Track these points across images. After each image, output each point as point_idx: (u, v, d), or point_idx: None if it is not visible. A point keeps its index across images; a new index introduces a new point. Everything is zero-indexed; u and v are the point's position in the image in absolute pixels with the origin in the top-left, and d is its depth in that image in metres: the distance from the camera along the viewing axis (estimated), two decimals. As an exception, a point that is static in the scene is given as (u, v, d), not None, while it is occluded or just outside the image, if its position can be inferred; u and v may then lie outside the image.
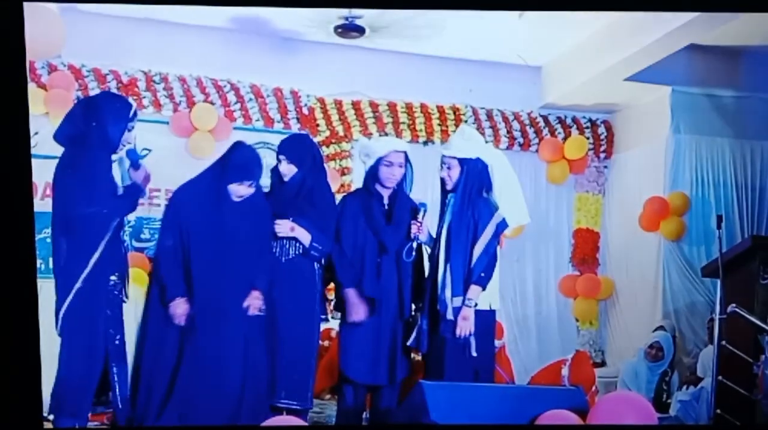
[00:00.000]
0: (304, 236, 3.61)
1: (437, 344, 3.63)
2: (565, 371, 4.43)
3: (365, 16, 5.16)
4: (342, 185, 5.66)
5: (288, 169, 3.67)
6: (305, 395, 3.61)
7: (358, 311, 3.66)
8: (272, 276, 3.56)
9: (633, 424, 3.31)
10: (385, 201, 3.78)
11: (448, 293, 3.58)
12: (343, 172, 5.83)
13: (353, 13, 5.12)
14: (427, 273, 3.79)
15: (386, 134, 5.85)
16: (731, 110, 5.47)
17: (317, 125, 5.84)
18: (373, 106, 5.93)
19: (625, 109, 6.22)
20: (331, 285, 3.82)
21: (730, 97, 5.46)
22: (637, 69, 5.18)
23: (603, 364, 6.03)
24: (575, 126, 6.30)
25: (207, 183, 3.56)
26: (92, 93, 5.16)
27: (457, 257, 3.61)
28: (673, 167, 5.53)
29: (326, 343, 4.61)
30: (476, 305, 3.58)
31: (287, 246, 3.63)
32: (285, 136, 3.94)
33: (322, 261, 3.69)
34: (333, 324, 4.15)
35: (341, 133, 5.87)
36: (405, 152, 3.78)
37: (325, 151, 5.76)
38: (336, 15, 5.16)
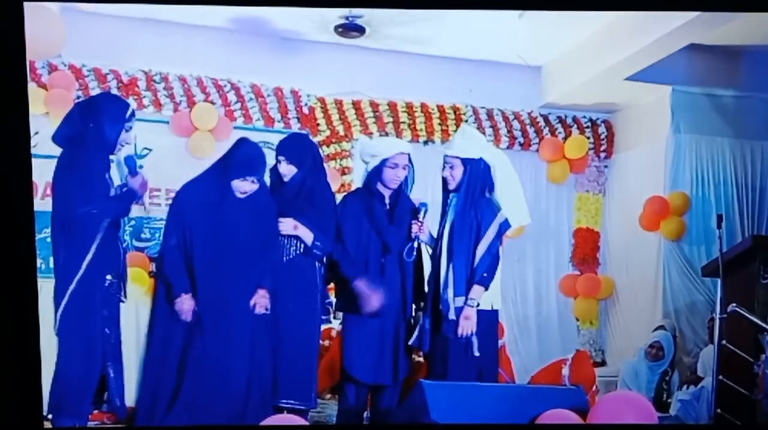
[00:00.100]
0: (307, 235, 3.61)
1: (440, 344, 3.64)
2: (565, 371, 4.42)
3: (365, 15, 5.16)
4: (342, 185, 5.66)
5: (288, 170, 3.67)
6: (308, 395, 3.62)
7: (372, 301, 3.64)
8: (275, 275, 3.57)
9: (633, 424, 3.31)
10: (387, 201, 3.79)
11: (450, 292, 3.59)
12: (344, 171, 5.83)
13: (353, 12, 5.12)
14: (428, 273, 3.80)
15: (387, 134, 5.85)
16: (731, 110, 5.47)
17: (317, 125, 5.84)
18: (374, 105, 5.93)
19: (626, 109, 6.22)
20: (331, 285, 3.82)
21: (731, 96, 5.45)
22: (638, 69, 5.18)
23: (603, 363, 6.03)
24: (575, 126, 6.30)
25: (210, 180, 3.57)
26: (93, 93, 5.16)
27: (460, 257, 3.61)
28: (673, 167, 5.53)
29: (326, 343, 4.60)
30: (478, 305, 3.59)
31: (288, 245, 3.63)
32: (283, 137, 3.93)
33: (324, 260, 3.70)
34: (333, 324, 4.15)
35: (341, 133, 5.87)
36: (408, 154, 3.79)
37: (325, 150, 5.77)
38: (336, 15, 5.16)
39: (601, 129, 6.35)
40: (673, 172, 5.54)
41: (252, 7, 4.96)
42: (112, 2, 4.83)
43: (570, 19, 4.98)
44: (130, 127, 3.47)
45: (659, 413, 3.88)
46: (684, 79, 5.38)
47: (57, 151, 3.42)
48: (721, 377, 3.93)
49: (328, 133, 5.85)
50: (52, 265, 3.45)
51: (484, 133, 5.93)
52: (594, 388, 4.43)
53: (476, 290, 3.58)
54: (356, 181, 4.04)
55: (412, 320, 3.80)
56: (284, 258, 3.62)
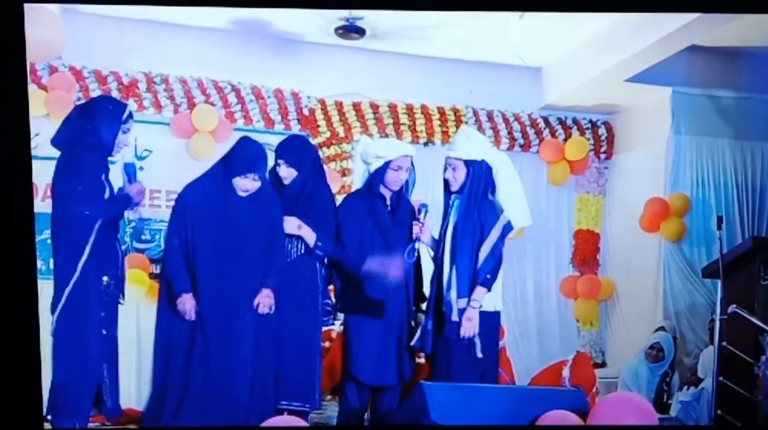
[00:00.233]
0: (310, 235, 3.62)
1: (443, 346, 3.64)
2: (565, 372, 4.42)
3: (366, 17, 5.16)
4: (342, 186, 5.66)
5: (288, 173, 3.68)
6: (312, 397, 3.62)
7: (392, 270, 3.65)
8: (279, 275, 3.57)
9: (634, 425, 3.31)
10: (388, 202, 3.79)
11: (453, 294, 3.60)
12: (344, 173, 5.83)
13: (354, 14, 5.12)
14: (430, 274, 3.80)
15: (387, 135, 5.85)
16: (732, 111, 5.47)
17: (318, 126, 5.84)
18: (374, 107, 5.93)
19: (626, 110, 6.21)
20: (331, 286, 3.82)
21: (731, 98, 5.45)
22: (638, 70, 5.18)
23: (604, 365, 6.02)
24: (576, 127, 6.30)
25: (212, 179, 3.58)
26: (93, 94, 5.16)
27: (463, 258, 3.62)
28: (673, 168, 5.53)
29: (326, 344, 4.60)
30: (481, 306, 3.59)
31: (290, 246, 3.64)
32: (281, 140, 3.90)
33: (325, 261, 3.69)
34: (335, 325, 4.15)
35: (342, 135, 5.87)
36: (411, 156, 3.79)
37: (325, 152, 5.77)
38: (336, 16, 5.16)
39: (602, 130, 6.35)
40: (674, 174, 5.53)
41: (252, 8, 4.96)
42: (113, 3, 4.83)
43: (570, 21, 4.99)
44: (128, 129, 3.48)
45: (659, 415, 3.87)
46: (684, 80, 5.39)
47: (57, 152, 3.43)
48: (721, 378, 3.94)
49: (328, 134, 5.85)
50: (52, 266, 3.46)
51: (484, 134, 5.93)
52: (594, 389, 4.42)
53: (479, 291, 3.59)
54: (357, 182, 4.03)
55: (413, 322, 3.80)
56: (286, 259, 3.63)
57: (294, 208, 3.64)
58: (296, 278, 3.62)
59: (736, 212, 5.43)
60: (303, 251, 3.63)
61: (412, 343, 3.72)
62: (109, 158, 3.49)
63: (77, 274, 3.30)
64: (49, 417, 3.37)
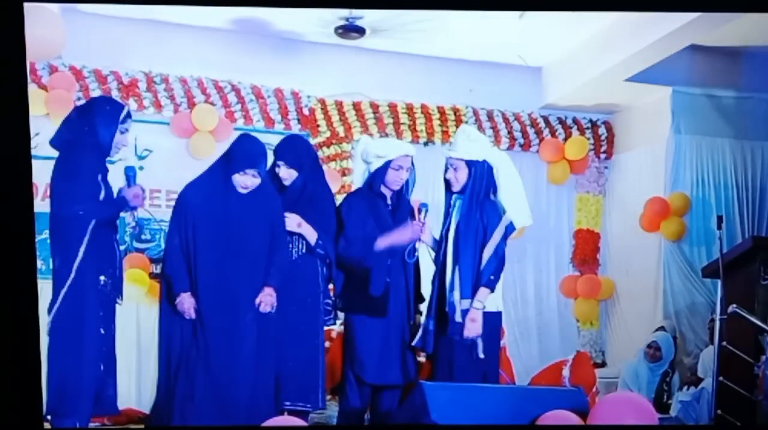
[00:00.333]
0: (311, 234, 3.62)
1: (445, 346, 3.64)
2: (565, 372, 4.42)
3: (366, 17, 5.16)
4: (342, 186, 5.66)
5: (288, 174, 3.67)
6: (315, 397, 3.62)
7: (408, 234, 3.67)
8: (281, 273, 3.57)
9: (634, 425, 3.31)
10: (389, 202, 3.79)
11: (456, 295, 3.60)
12: (344, 172, 5.83)
13: (353, 14, 5.12)
14: (432, 274, 3.80)
15: (387, 135, 5.85)
16: (732, 111, 5.47)
17: (318, 126, 5.84)
18: (374, 106, 5.93)
19: (626, 110, 6.21)
20: (331, 286, 3.82)
21: (731, 97, 5.45)
22: (638, 70, 5.18)
23: (604, 364, 6.02)
24: (576, 127, 6.30)
25: (212, 177, 3.58)
26: (93, 94, 5.16)
27: (466, 259, 3.62)
28: (673, 168, 5.53)
29: (326, 344, 4.59)
30: (484, 307, 3.59)
31: (291, 245, 3.64)
32: (280, 140, 3.88)
33: (327, 261, 3.69)
34: (336, 325, 4.15)
35: (342, 134, 5.87)
36: (412, 156, 3.79)
37: (325, 152, 5.77)
38: (336, 16, 5.16)
39: (602, 130, 6.35)
40: (674, 173, 5.53)
41: (252, 7, 4.96)
42: (113, 3, 4.83)
43: (570, 21, 4.98)
44: (126, 130, 3.48)
45: (659, 414, 3.88)
46: (684, 80, 5.39)
47: (57, 152, 3.43)
48: (721, 378, 3.94)
49: (328, 134, 5.85)
50: (52, 266, 3.46)
51: (484, 134, 5.92)
52: (594, 389, 4.42)
53: (482, 292, 3.59)
54: (357, 182, 4.03)
55: (412, 322, 3.80)
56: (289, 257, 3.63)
57: (295, 209, 3.63)
58: (298, 277, 3.62)
59: (736, 212, 5.43)
60: (304, 251, 3.63)
61: (413, 343, 3.72)
62: (109, 159, 3.49)
63: (73, 274, 3.30)
64: (48, 417, 3.37)
